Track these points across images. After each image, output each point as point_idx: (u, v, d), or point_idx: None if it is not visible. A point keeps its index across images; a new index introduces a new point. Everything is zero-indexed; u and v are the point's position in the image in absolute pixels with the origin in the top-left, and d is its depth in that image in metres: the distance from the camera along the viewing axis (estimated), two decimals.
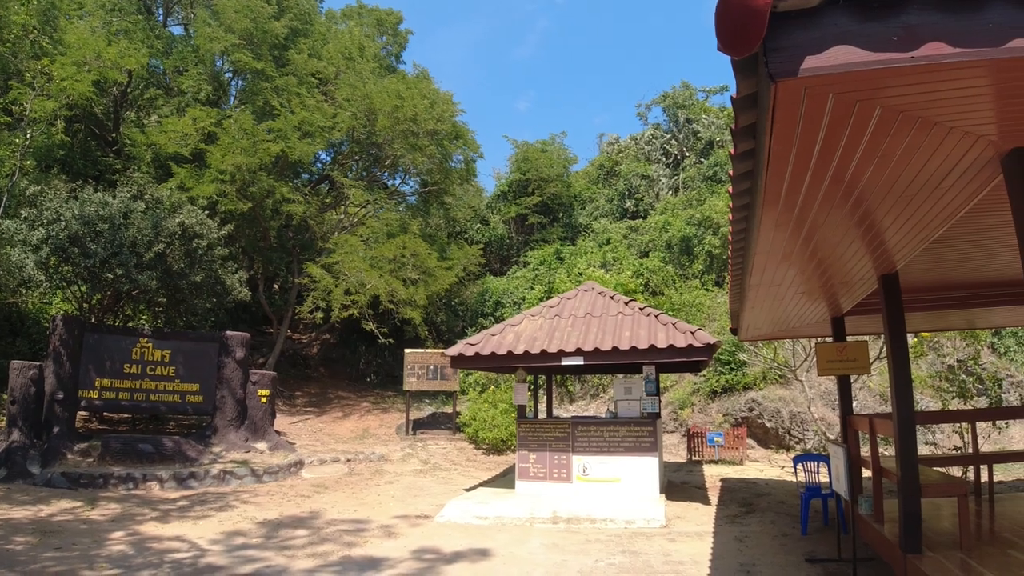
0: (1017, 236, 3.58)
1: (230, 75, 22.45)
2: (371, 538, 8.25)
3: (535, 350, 10.46)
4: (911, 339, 15.33)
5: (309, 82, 20.34)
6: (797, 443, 15.32)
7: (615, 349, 10.02)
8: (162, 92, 21.17)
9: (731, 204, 4.36)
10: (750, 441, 15.77)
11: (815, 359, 14.81)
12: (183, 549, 7.52)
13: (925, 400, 14.41)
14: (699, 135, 32.19)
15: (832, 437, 13.85)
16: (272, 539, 8.06)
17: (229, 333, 14.46)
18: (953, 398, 12.02)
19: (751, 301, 7.39)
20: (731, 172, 3.81)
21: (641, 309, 11.30)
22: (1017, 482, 10.86)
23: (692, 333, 9.99)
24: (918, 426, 7.85)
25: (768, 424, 15.80)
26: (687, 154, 32.38)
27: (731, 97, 2.89)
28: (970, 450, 9.86)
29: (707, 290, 22.70)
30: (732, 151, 3.44)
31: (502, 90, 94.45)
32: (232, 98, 22.62)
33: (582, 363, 10.30)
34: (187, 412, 14.46)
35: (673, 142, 33.01)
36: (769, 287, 6.56)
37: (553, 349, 10.37)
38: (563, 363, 10.35)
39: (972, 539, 6.29)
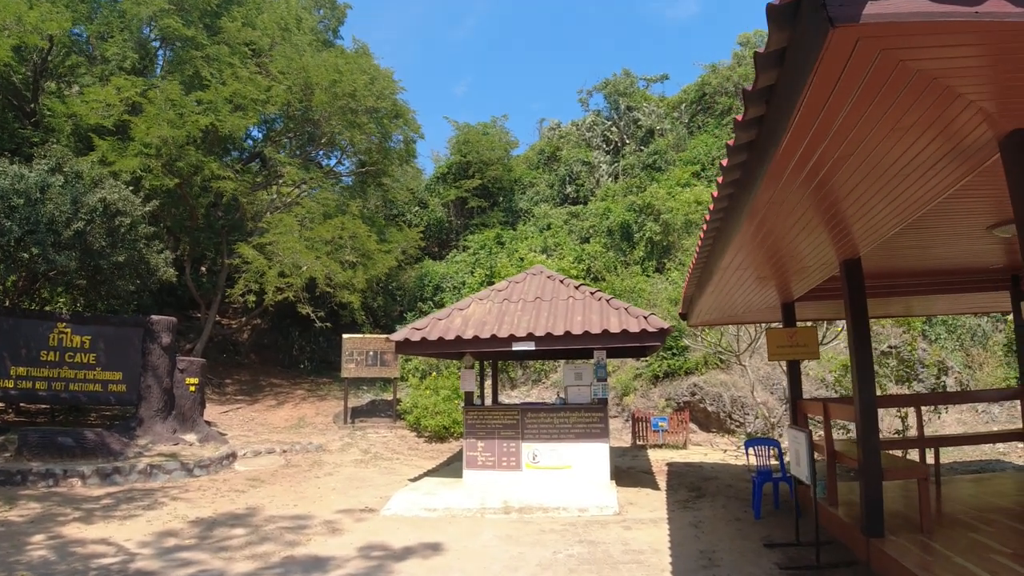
0: (1015, 217, 3.46)
1: (157, 43, 21.01)
2: (314, 535, 7.76)
3: (485, 335, 10.11)
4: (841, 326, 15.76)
5: (242, 52, 19.19)
6: (738, 427, 15.55)
7: (568, 334, 9.77)
8: (85, 60, 19.61)
9: (719, 180, 4.13)
10: (692, 425, 15.92)
11: (759, 344, 15.09)
12: (110, 553, 6.87)
13: None
14: (640, 123, 32.32)
15: (775, 421, 14.10)
16: (207, 539, 7.46)
17: (154, 317, 13.52)
18: (890, 383, 12.35)
19: (714, 285, 7.25)
20: (730, 142, 3.56)
21: (592, 293, 11.11)
22: (954, 464, 11.26)
23: (645, 318, 9.85)
24: None
25: (710, 408, 15.98)
26: (627, 141, 32.48)
27: (755, 53, 2.62)
28: (911, 433, 10.14)
29: (647, 276, 22.81)
30: (739, 117, 3.18)
31: (439, 74, 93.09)
32: (159, 67, 21.21)
33: (533, 348, 10.02)
34: (110, 402, 13.46)
35: (614, 129, 33.04)
36: (737, 270, 6.42)
37: (504, 334, 10.05)
38: (514, 348, 10.04)
39: (933, 522, 6.35)
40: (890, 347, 16.28)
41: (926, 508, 6.39)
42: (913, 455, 9.92)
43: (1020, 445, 12.69)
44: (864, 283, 6.54)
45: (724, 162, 3.80)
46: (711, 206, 4.92)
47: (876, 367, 14.99)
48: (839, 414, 7.70)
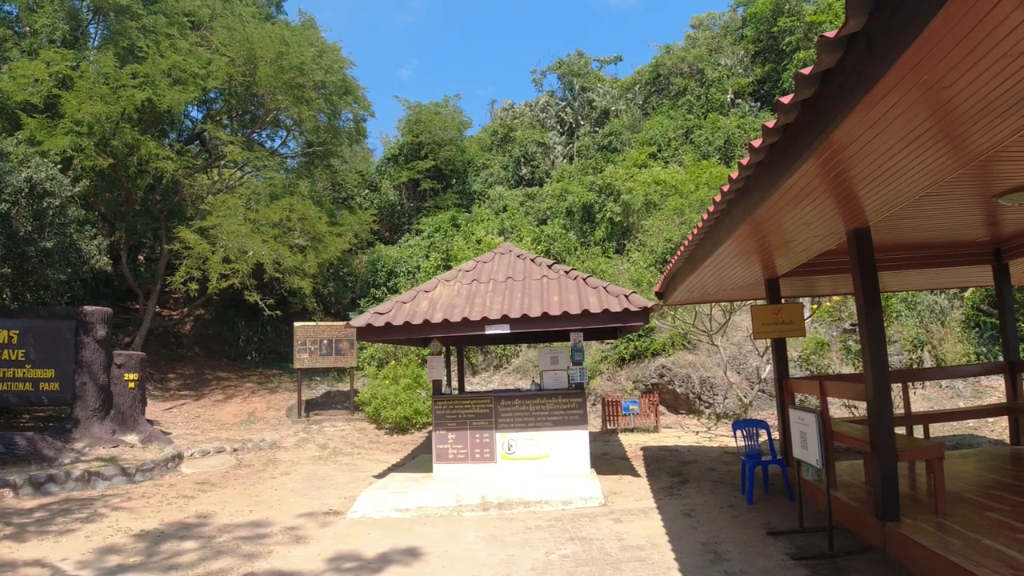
0: None
1: (90, 14, 19.40)
2: (276, 546, 6.97)
3: (455, 318, 9.41)
4: (809, 303, 15.61)
5: (181, 23, 17.81)
6: (707, 407, 15.26)
7: (545, 315, 9.15)
8: (12, 33, 17.94)
9: (752, 144, 3.57)
10: (661, 408, 15.56)
11: (729, 324, 14.80)
12: None
13: (835, 364, 14.74)
14: (594, 104, 31.88)
15: (747, 402, 13.82)
16: (154, 556, 6.58)
17: (88, 308, 12.32)
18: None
19: (712, 259, 6.71)
20: (784, 99, 3.01)
21: (567, 272, 10.50)
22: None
23: (626, 297, 9.30)
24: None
25: (679, 390, 15.65)
26: (582, 123, 32.01)
27: None
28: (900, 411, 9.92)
29: (608, 257, 22.40)
30: (806, 71, 2.63)
31: (384, 57, 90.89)
32: (93, 40, 19.61)
33: (508, 331, 9.35)
34: (42, 403, 12.19)
35: (568, 110, 32.51)
36: (748, 240, 5.88)
37: (476, 317, 9.36)
38: (487, 332, 9.36)
39: (947, 503, 5.99)
40: (852, 325, 16.24)
41: (940, 489, 6.04)
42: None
43: (990, 420, 12.70)
44: (874, 254, 6.11)
45: (770, 124, 3.23)
46: (733, 175, 4.36)
47: (840, 344, 14.91)
48: (839, 392, 7.31)
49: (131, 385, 12.71)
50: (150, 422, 13.63)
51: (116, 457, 11.10)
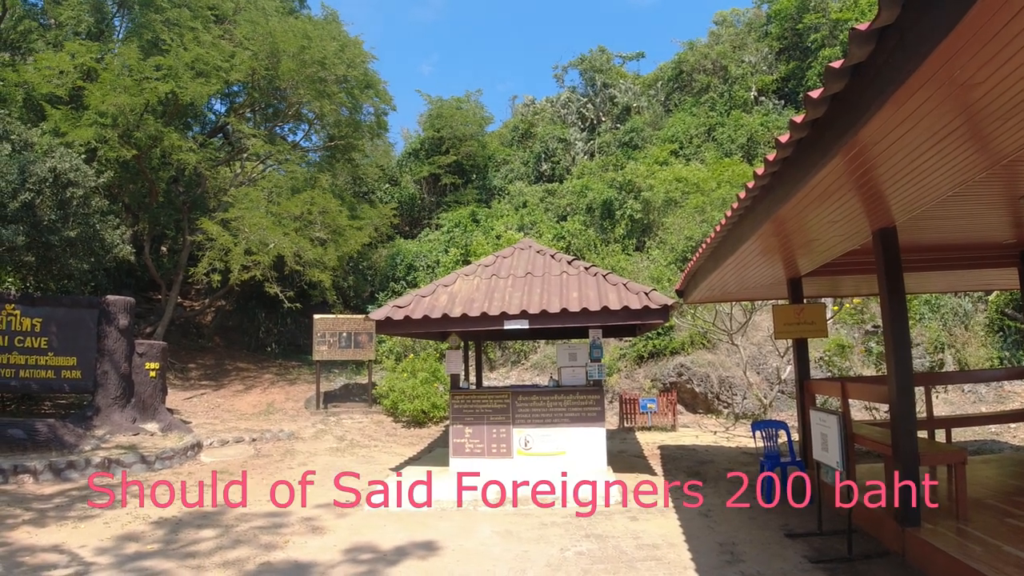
0: None
1: (115, 7, 19.67)
2: (293, 536, 7.02)
3: (474, 313, 9.40)
4: (831, 304, 15.43)
5: (205, 16, 17.98)
6: (726, 407, 15.16)
7: (564, 311, 9.12)
8: (38, 25, 18.27)
9: (779, 139, 3.51)
10: (679, 407, 15.47)
11: (749, 324, 14.67)
12: (62, 564, 6.03)
13: (857, 366, 14.55)
14: (615, 100, 31.73)
15: (767, 402, 13.70)
16: (173, 544, 6.66)
17: (110, 298, 12.49)
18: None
19: (736, 257, 6.64)
20: (813, 93, 2.96)
21: (587, 268, 10.46)
22: None
23: (646, 294, 9.23)
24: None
25: (697, 389, 15.56)
26: (603, 119, 31.87)
27: None
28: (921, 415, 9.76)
29: (628, 255, 22.30)
30: (836, 63, 2.58)
31: (405, 52, 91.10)
32: (118, 32, 19.88)
33: (526, 327, 9.34)
34: (64, 390, 12.38)
35: (589, 106, 32.39)
36: (772, 237, 5.81)
37: (495, 311, 9.35)
38: (506, 327, 9.35)
39: (968, 508, 5.89)
40: (875, 326, 16.02)
41: (962, 494, 5.94)
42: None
43: (1012, 426, 12.48)
44: (900, 254, 6.00)
45: (798, 118, 3.19)
46: (758, 171, 4.30)
47: (862, 347, 14.71)
48: (861, 394, 7.21)
49: (152, 374, 12.86)
50: (170, 411, 13.80)
51: (136, 445, 11.24)
